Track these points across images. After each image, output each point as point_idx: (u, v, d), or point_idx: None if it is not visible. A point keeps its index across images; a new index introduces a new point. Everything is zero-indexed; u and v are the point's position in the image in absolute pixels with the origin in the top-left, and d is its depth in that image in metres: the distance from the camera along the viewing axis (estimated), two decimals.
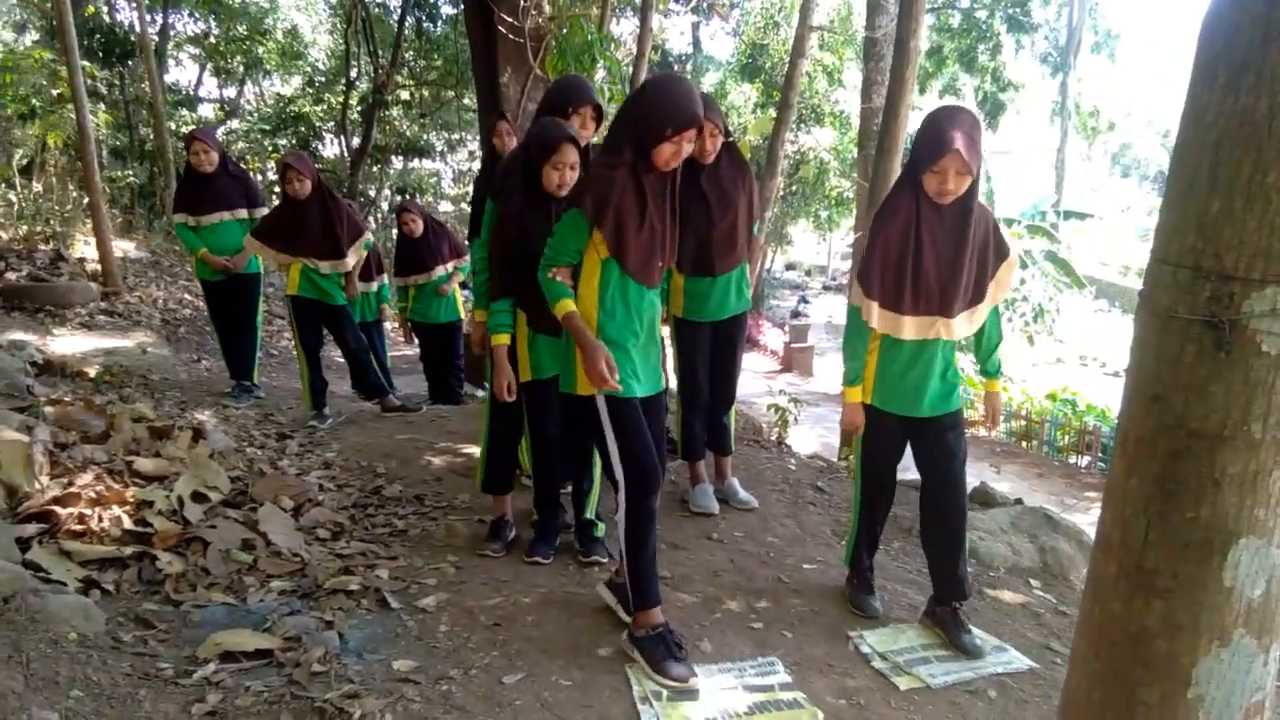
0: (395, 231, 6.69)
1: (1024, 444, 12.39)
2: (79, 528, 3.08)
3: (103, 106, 13.30)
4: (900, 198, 2.99)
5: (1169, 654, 0.99)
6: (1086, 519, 5.98)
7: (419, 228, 6.42)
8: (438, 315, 6.60)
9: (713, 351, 4.08)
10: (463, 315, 6.81)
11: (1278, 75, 0.90)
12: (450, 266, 6.59)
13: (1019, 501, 4.68)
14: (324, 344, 5.90)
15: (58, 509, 3.08)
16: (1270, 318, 0.92)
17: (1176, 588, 0.98)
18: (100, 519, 3.15)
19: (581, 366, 2.75)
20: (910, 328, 3.01)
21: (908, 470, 3.33)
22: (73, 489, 3.20)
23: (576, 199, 2.79)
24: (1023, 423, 12.70)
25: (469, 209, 5.69)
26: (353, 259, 5.51)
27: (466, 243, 6.13)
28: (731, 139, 3.87)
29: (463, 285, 6.62)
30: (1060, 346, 20.69)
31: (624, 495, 2.79)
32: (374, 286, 6.85)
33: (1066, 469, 10.98)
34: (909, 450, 3.28)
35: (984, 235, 3.02)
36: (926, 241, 2.93)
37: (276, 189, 5.52)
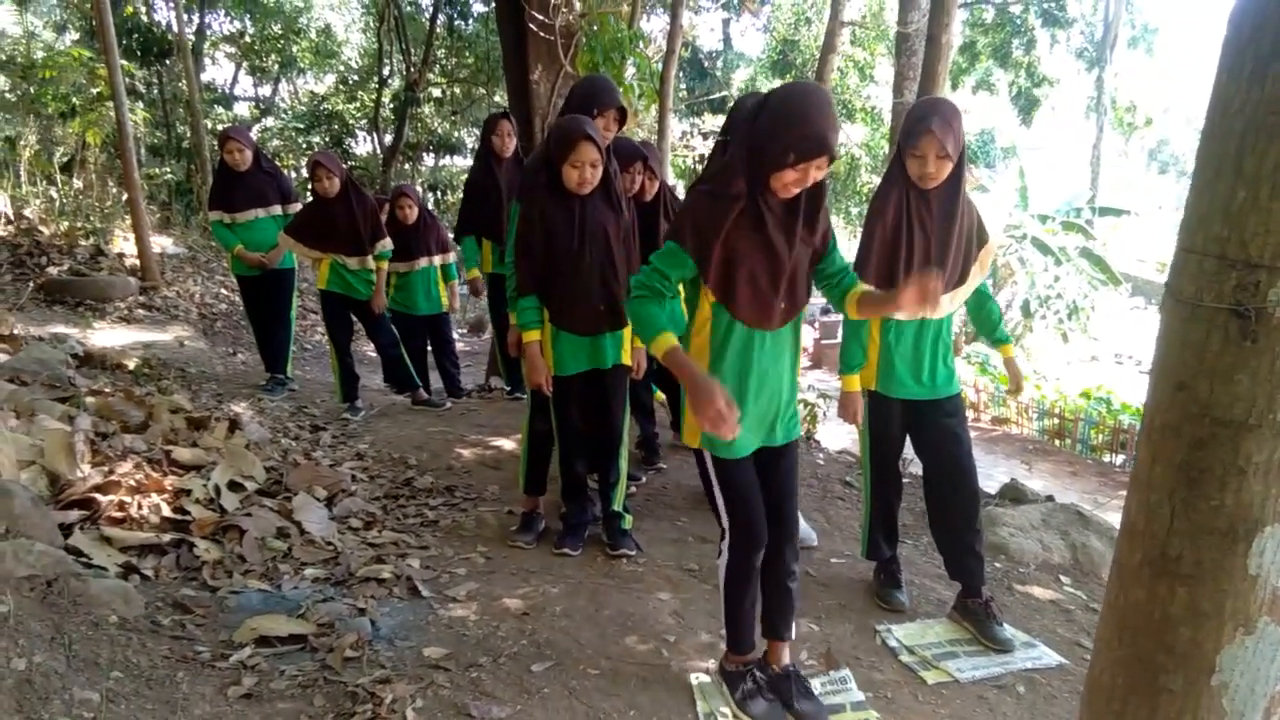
0: (385, 216, 6.26)
1: (1057, 442, 12.26)
2: (119, 514, 3.15)
3: (141, 105, 13.50)
4: (890, 189, 3.07)
5: (1193, 641, 1.00)
6: (1119, 516, 5.91)
7: (414, 215, 6.13)
8: (416, 308, 6.27)
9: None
10: (445, 307, 6.49)
11: None
12: (437, 260, 6.32)
13: (1050, 498, 4.64)
14: (355, 337, 5.94)
15: (98, 496, 3.16)
16: None
17: (1201, 575, 0.99)
18: (140, 506, 3.22)
19: (689, 409, 2.30)
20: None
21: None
22: (113, 477, 3.27)
23: (673, 229, 2.40)
24: (1056, 420, 12.56)
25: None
26: (371, 259, 5.63)
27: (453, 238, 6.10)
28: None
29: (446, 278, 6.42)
30: (1095, 344, 20.43)
31: (726, 548, 2.56)
32: (434, 262, 6.36)
33: (1100, 467, 10.85)
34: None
35: (970, 223, 3.14)
36: (917, 227, 3.03)
37: (309, 186, 5.51)
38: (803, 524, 4.00)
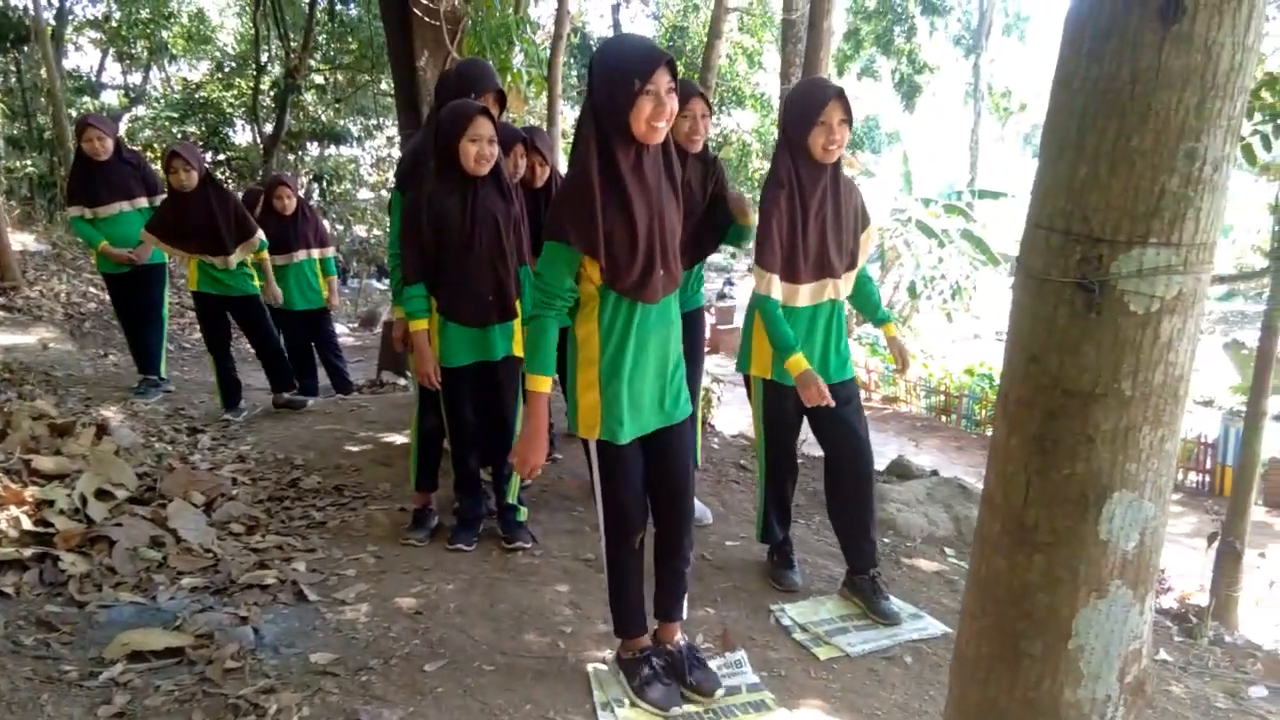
0: (259, 208, 6.03)
1: (943, 418, 12.71)
2: None
3: None
4: (780, 173, 3.05)
5: (1050, 607, 1.03)
6: None
7: (291, 205, 5.97)
8: (296, 301, 6.08)
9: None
10: (325, 302, 6.33)
11: (1138, 42, 0.93)
12: (315, 254, 6.16)
13: (935, 473, 4.80)
14: (235, 337, 5.67)
15: None
16: (1136, 278, 0.95)
17: (1055, 542, 1.02)
18: None
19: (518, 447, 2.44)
20: (806, 294, 3.09)
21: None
22: None
23: (550, 227, 2.34)
24: (941, 398, 13.01)
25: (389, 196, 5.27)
26: (237, 259, 5.23)
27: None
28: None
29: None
30: (977, 323, 21.28)
31: (603, 535, 2.59)
32: (313, 255, 6.18)
33: (984, 441, 11.29)
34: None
35: (856, 202, 3.19)
36: (812, 208, 3.03)
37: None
38: (698, 504, 4.05)
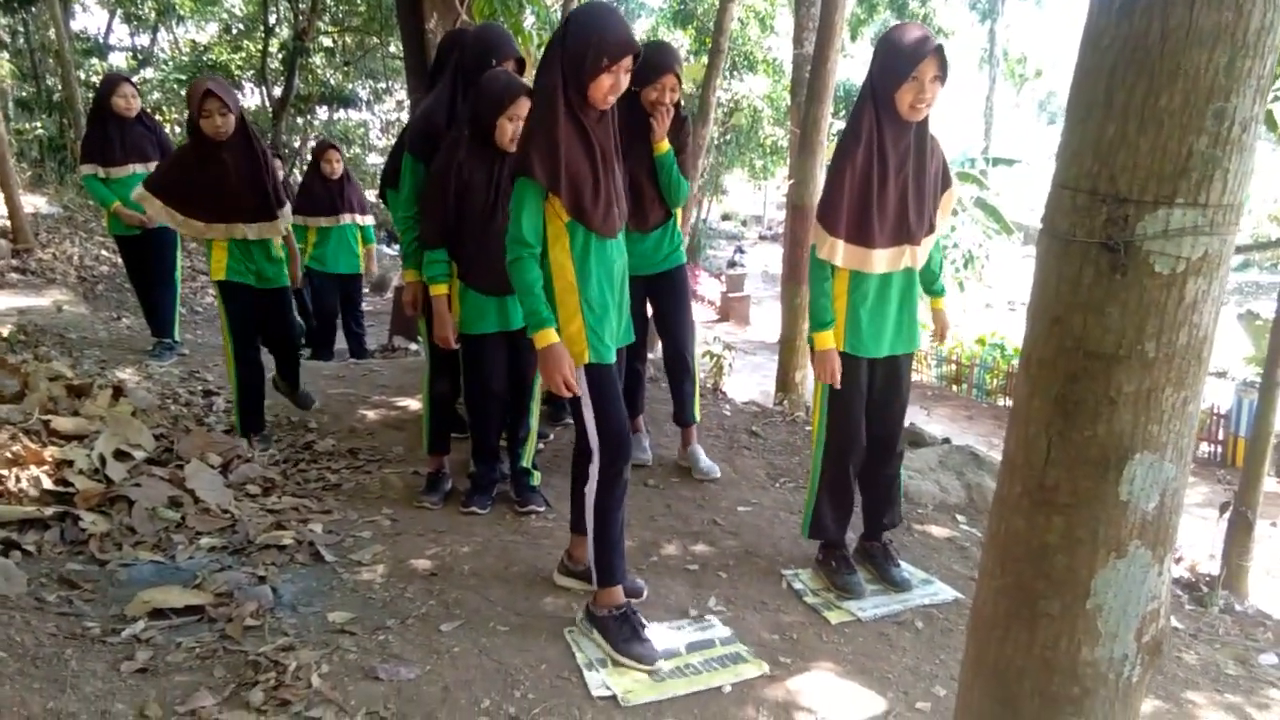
0: (306, 168, 6.22)
1: (954, 387, 12.70)
2: None
3: (6, 55, 12.65)
4: (860, 128, 2.85)
5: (1069, 567, 1.04)
6: None
7: (340, 169, 6.18)
8: (335, 265, 6.28)
9: (658, 309, 3.96)
10: (366, 269, 6.60)
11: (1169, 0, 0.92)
12: (359, 220, 6.36)
13: (947, 441, 4.80)
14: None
15: None
16: (1162, 239, 0.95)
17: (1076, 503, 1.02)
18: (18, 479, 3.06)
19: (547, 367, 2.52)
20: (881, 261, 2.91)
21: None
22: None
23: (521, 165, 2.52)
24: (953, 367, 12.99)
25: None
26: (284, 226, 4.20)
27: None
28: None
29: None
30: (989, 292, 21.18)
31: (598, 464, 2.63)
32: (356, 220, 6.30)
33: (995, 410, 11.30)
34: None
35: (939, 162, 3.02)
36: (892, 169, 2.85)
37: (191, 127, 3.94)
38: (705, 459, 4.10)
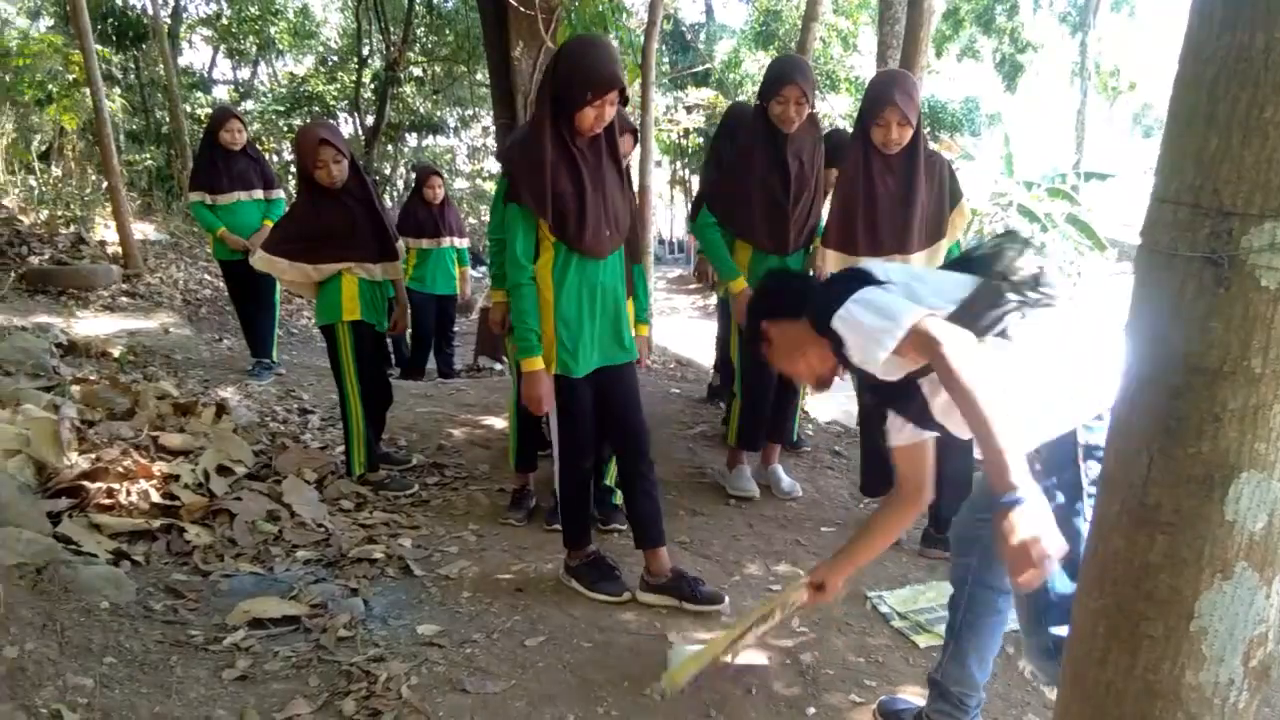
0: (409, 192, 6.54)
1: None
2: (108, 501, 3.14)
3: (118, 90, 13.35)
4: (851, 154, 3.39)
5: (1172, 588, 1.01)
6: None
7: (441, 195, 6.44)
8: (434, 286, 6.52)
9: None
10: (460, 291, 6.82)
11: (1273, 9, 0.90)
12: (458, 243, 6.62)
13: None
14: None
15: (86, 483, 3.15)
16: (1268, 252, 0.92)
17: (1179, 522, 1.00)
18: (128, 493, 3.21)
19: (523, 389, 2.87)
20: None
21: None
22: (100, 464, 3.26)
23: (510, 192, 2.78)
24: None
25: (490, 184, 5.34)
26: (402, 261, 4.15)
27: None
28: (815, 112, 3.74)
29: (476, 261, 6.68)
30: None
31: (557, 459, 3.00)
32: (455, 244, 6.60)
33: None
34: None
35: (939, 179, 3.38)
36: (879, 187, 3.30)
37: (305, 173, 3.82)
38: (787, 478, 4.09)
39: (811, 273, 3.60)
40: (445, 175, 7.06)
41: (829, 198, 3.62)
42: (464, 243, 6.75)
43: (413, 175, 19.08)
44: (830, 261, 3.42)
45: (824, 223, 3.66)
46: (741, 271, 3.75)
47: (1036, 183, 19.60)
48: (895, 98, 3.21)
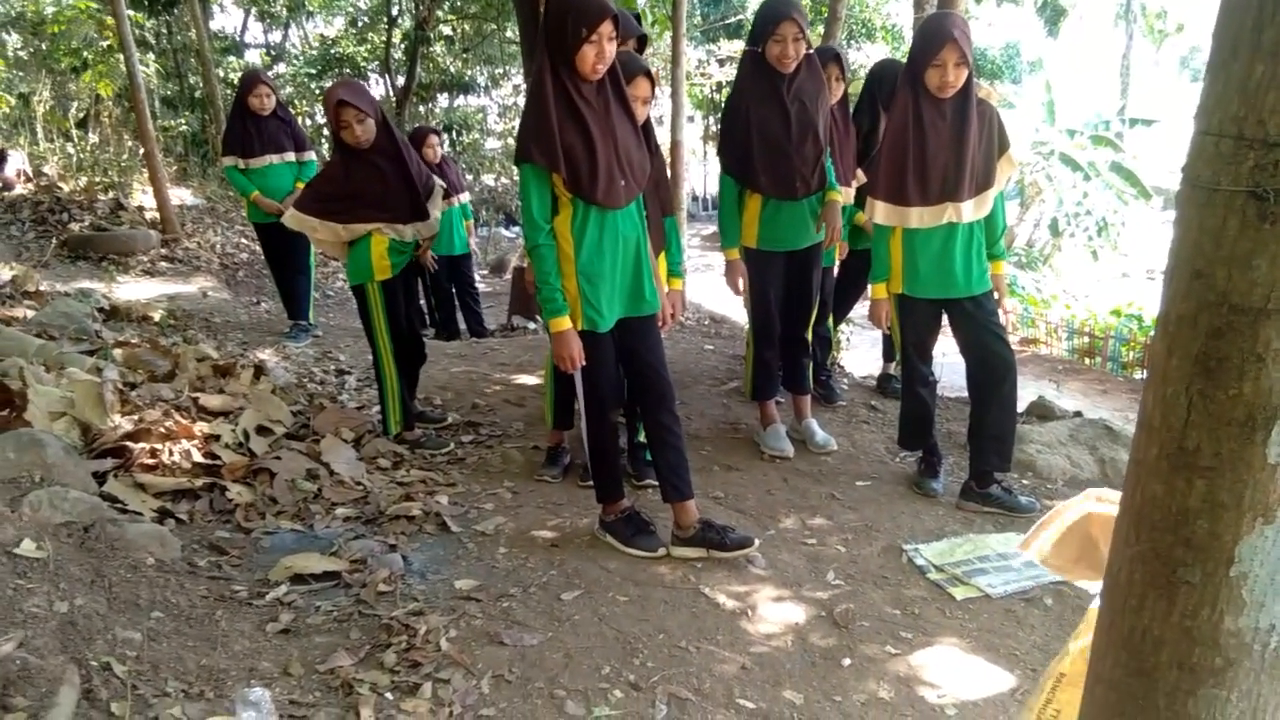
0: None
1: (1087, 360, 12.13)
2: (151, 461, 3.20)
3: (152, 56, 13.41)
4: (899, 102, 3.30)
5: (1211, 533, 0.98)
6: None
7: (439, 154, 6.40)
8: (449, 247, 6.50)
9: (786, 284, 3.86)
10: (472, 248, 6.81)
11: None
12: (462, 198, 6.59)
13: (1078, 414, 4.60)
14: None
15: (130, 444, 3.21)
16: None
17: (1219, 466, 0.97)
18: (171, 453, 3.27)
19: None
20: (918, 217, 3.30)
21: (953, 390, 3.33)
22: (143, 425, 3.32)
23: (521, 150, 2.70)
24: (1085, 339, 12.41)
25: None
26: (436, 215, 4.06)
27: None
28: (811, 50, 3.61)
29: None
30: (1125, 260, 20.08)
31: (584, 413, 3.02)
32: (457, 201, 6.57)
33: (1131, 384, 10.73)
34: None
35: (989, 126, 3.31)
36: (930, 135, 3.22)
37: (327, 133, 3.54)
38: (821, 431, 4.09)
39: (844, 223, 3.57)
40: (442, 134, 6.98)
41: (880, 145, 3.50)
42: (466, 197, 6.75)
43: (444, 134, 19.11)
44: (880, 213, 3.37)
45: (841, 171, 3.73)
46: (753, 226, 3.75)
47: (1079, 130, 19.19)
48: (954, 34, 3.09)
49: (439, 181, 4.19)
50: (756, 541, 3.01)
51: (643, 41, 3.66)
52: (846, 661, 2.49)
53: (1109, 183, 18.00)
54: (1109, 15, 27.54)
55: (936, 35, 3.13)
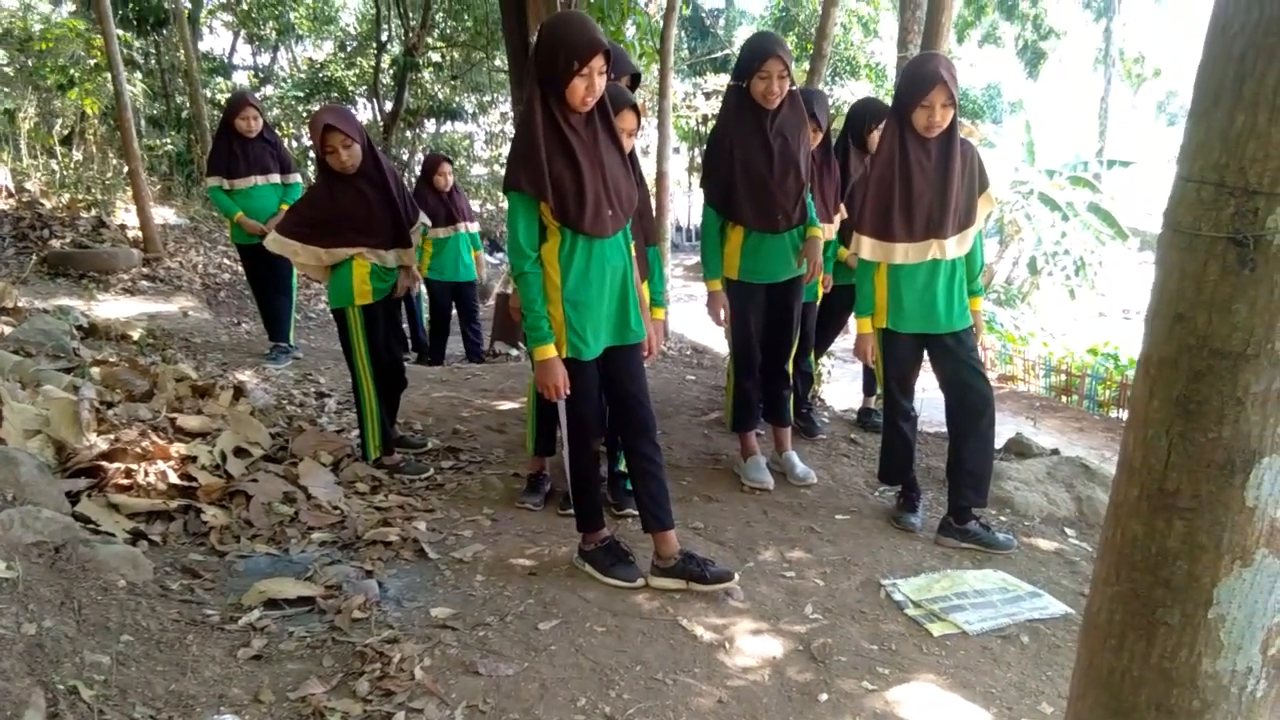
0: (416, 180, 6.55)
1: (1064, 399, 12.22)
2: (126, 482, 3.17)
3: (139, 75, 13.40)
4: (885, 140, 3.36)
5: (1190, 574, 0.99)
6: None
7: (450, 182, 6.42)
8: (455, 273, 6.53)
9: (767, 316, 3.88)
10: (481, 279, 6.84)
11: None
12: (469, 227, 6.61)
13: (1055, 452, 4.63)
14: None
15: (105, 464, 3.17)
16: None
17: (1198, 508, 0.98)
18: (146, 473, 3.23)
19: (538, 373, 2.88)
20: (903, 253, 3.34)
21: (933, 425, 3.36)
22: (119, 444, 3.28)
23: (509, 178, 2.72)
24: (1063, 377, 12.51)
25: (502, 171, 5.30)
26: (416, 240, 4.04)
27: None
28: (795, 88, 3.65)
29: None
30: (1102, 300, 20.32)
31: (566, 441, 3.01)
32: (467, 229, 6.59)
33: (1107, 423, 10.82)
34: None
35: (971, 164, 3.36)
36: (916, 173, 3.26)
37: (312, 156, 3.77)
38: (801, 464, 4.08)
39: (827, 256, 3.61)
40: (454, 162, 7.07)
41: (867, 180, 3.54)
42: (475, 226, 6.76)
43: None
44: (865, 248, 3.39)
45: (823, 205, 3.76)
46: (735, 258, 3.78)
47: (1058, 170, 19.47)
48: (943, 76, 3.13)
49: (424, 218, 4.20)
50: (736, 576, 3.00)
51: (636, 79, 3.70)
52: (823, 697, 2.48)
53: (1087, 223, 18.26)
54: (1088, 59, 28.02)
55: (926, 77, 3.16)
